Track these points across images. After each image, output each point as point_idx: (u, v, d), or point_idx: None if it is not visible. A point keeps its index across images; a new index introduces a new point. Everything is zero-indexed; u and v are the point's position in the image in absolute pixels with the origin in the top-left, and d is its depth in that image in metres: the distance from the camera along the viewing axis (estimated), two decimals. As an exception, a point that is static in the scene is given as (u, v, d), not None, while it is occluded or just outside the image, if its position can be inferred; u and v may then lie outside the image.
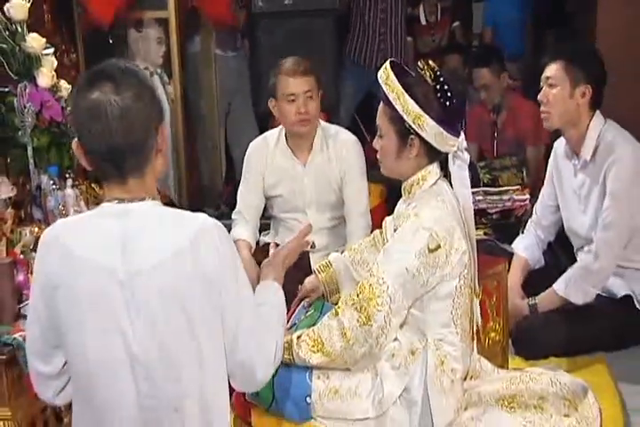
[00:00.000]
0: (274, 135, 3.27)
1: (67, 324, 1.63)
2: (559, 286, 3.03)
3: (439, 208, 2.26)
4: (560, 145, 3.20)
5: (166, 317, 1.61)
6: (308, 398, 2.28)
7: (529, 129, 4.34)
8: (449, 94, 2.21)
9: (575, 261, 3.08)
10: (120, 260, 1.60)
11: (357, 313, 2.18)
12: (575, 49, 3.20)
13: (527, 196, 3.83)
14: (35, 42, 2.83)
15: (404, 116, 2.21)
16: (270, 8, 4.63)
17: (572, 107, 3.00)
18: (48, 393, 1.75)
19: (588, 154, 3.03)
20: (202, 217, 1.67)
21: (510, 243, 3.43)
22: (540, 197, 3.35)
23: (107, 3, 3.88)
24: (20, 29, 2.82)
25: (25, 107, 2.78)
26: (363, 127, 4.71)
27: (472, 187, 3.79)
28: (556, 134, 3.23)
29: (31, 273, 2.42)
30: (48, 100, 2.85)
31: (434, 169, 2.31)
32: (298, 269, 2.63)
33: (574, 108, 3.01)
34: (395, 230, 2.29)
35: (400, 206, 2.41)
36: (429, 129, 2.21)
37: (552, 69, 3.01)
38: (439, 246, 2.20)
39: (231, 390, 1.79)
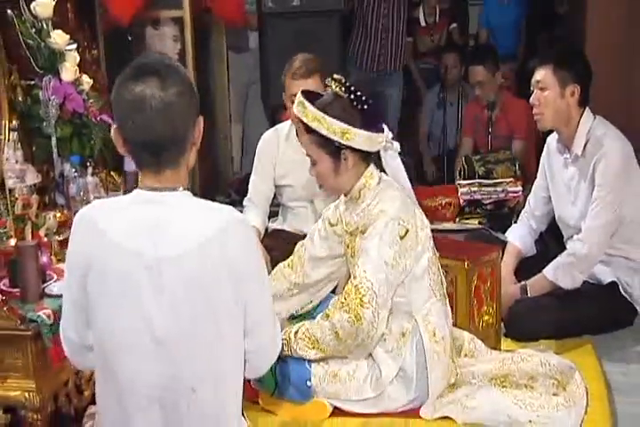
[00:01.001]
0: (284, 128, 3.26)
1: (95, 302, 1.61)
2: (549, 271, 3.03)
3: (397, 197, 2.28)
4: (552, 140, 3.20)
5: (190, 303, 1.59)
6: (308, 382, 2.31)
7: (520, 125, 4.32)
8: (363, 98, 2.21)
9: (565, 249, 3.07)
10: (149, 246, 1.57)
11: (347, 315, 2.19)
12: (561, 52, 3.19)
13: (519, 188, 3.83)
14: (59, 38, 2.82)
15: (332, 137, 2.20)
16: (279, 8, 4.63)
17: (563, 106, 3.00)
18: (87, 363, 1.73)
19: (578, 149, 3.02)
20: (229, 209, 1.65)
21: (504, 232, 3.43)
22: (533, 188, 3.34)
23: (126, 2, 3.86)
24: (45, 26, 2.81)
25: (49, 99, 2.77)
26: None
27: (468, 178, 3.90)
28: (548, 130, 3.21)
29: (54, 255, 2.43)
30: (71, 93, 2.84)
31: (372, 170, 2.32)
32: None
33: (565, 107, 3.00)
34: (362, 232, 2.29)
35: (347, 217, 2.38)
36: (358, 138, 2.20)
37: (541, 73, 3.01)
38: (408, 231, 2.23)
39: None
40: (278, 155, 3.23)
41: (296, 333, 2.29)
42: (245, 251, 1.63)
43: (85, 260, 1.60)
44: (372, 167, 2.32)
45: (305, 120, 2.23)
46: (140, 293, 1.58)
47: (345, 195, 2.37)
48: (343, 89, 2.23)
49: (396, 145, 2.31)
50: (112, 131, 1.64)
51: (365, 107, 2.21)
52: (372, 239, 2.22)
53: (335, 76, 2.27)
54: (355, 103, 2.21)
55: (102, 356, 1.65)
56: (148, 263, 1.57)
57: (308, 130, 2.24)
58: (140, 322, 1.59)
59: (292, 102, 3.07)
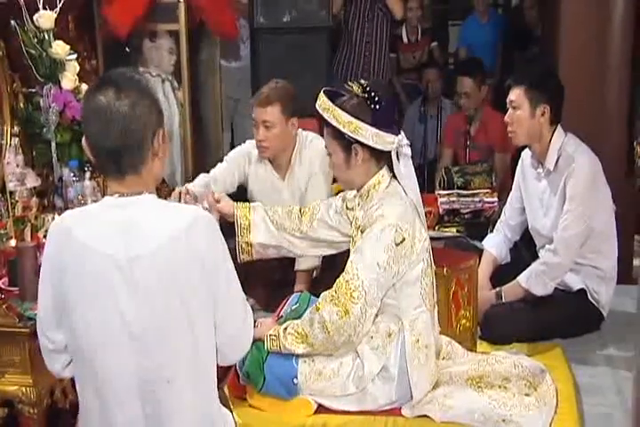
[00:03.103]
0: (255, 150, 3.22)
1: (72, 303, 1.62)
2: (522, 279, 3.05)
3: (400, 204, 2.28)
4: (526, 155, 3.23)
5: (163, 296, 1.61)
6: (294, 380, 2.30)
7: (497, 139, 4.35)
8: (377, 99, 2.25)
9: (537, 258, 3.10)
10: (120, 247, 1.59)
11: (336, 308, 2.19)
12: (533, 74, 3.22)
13: (495, 198, 3.85)
14: (60, 48, 2.82)
15: (342, 129, 2.24)
16: (270, 24, 4.64)
17: (534, 125, 3.03)
18: (57, 366, 1.75)
19: (550, 164, 3.05)
20: (195, 208, 1.70)
21: (480, 240, 3.44)
22: (508, 200, 3.37)
23: (124, 15, 3.85)
24: (47, 37, 2.81)
25: (50, 106, 2.77)
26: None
27: (447, 189, 3.91)
28: (522, 145, 3.24)
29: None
30: (70, 101, 2.84)
31: (385, 173, 2.34)
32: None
33: (536, 125, 3.03)
34: (361, 231, 2.29)
35: (358, 213, 2.39)
36: (366, 133, 2.24)
37: (514, 93, 3.04)
38: (404, 239, 2.22)
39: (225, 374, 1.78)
40: (249, 171, 3.22)
41: (285, 329, 2.29)
42: (212, 244, 1.66)
43: (61, 265, 1.62)
44: (384, 170, 2.34)
45: (322, 113, 2.28)
46: (115, 291, 1.59)
47: (357, 190, 2.39)
48: (361, 89, 2.27)
49: (408, 151, 2.33)
50: (83, 139, 1.67)
51: (377, 107, 2.25)
52: (369, 241, 2.23)
53: (362, 80, 2.32)
54: (368, 102, 2.25)
55: (79, 354, 1.66)
56: (119, 263, 1.59)
57: (325, 122, 2.30)
58: (115, 318, 1.60)
59: (254, 126, 3.07)
